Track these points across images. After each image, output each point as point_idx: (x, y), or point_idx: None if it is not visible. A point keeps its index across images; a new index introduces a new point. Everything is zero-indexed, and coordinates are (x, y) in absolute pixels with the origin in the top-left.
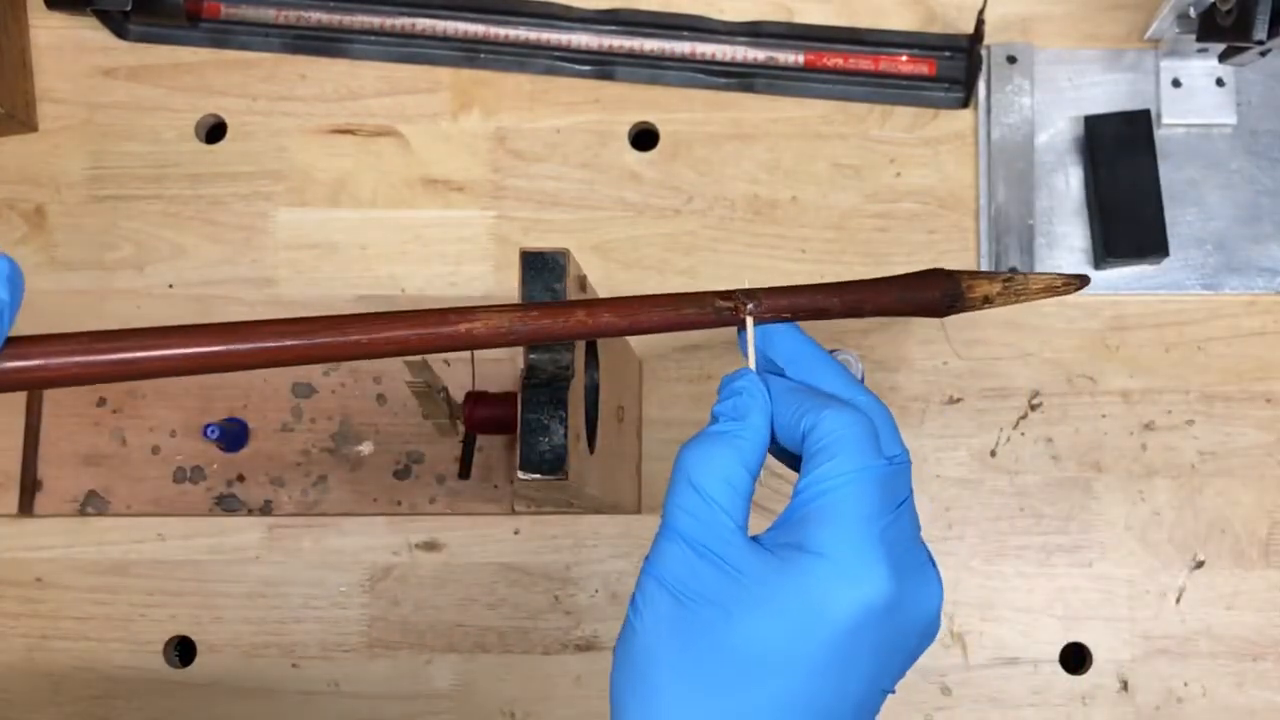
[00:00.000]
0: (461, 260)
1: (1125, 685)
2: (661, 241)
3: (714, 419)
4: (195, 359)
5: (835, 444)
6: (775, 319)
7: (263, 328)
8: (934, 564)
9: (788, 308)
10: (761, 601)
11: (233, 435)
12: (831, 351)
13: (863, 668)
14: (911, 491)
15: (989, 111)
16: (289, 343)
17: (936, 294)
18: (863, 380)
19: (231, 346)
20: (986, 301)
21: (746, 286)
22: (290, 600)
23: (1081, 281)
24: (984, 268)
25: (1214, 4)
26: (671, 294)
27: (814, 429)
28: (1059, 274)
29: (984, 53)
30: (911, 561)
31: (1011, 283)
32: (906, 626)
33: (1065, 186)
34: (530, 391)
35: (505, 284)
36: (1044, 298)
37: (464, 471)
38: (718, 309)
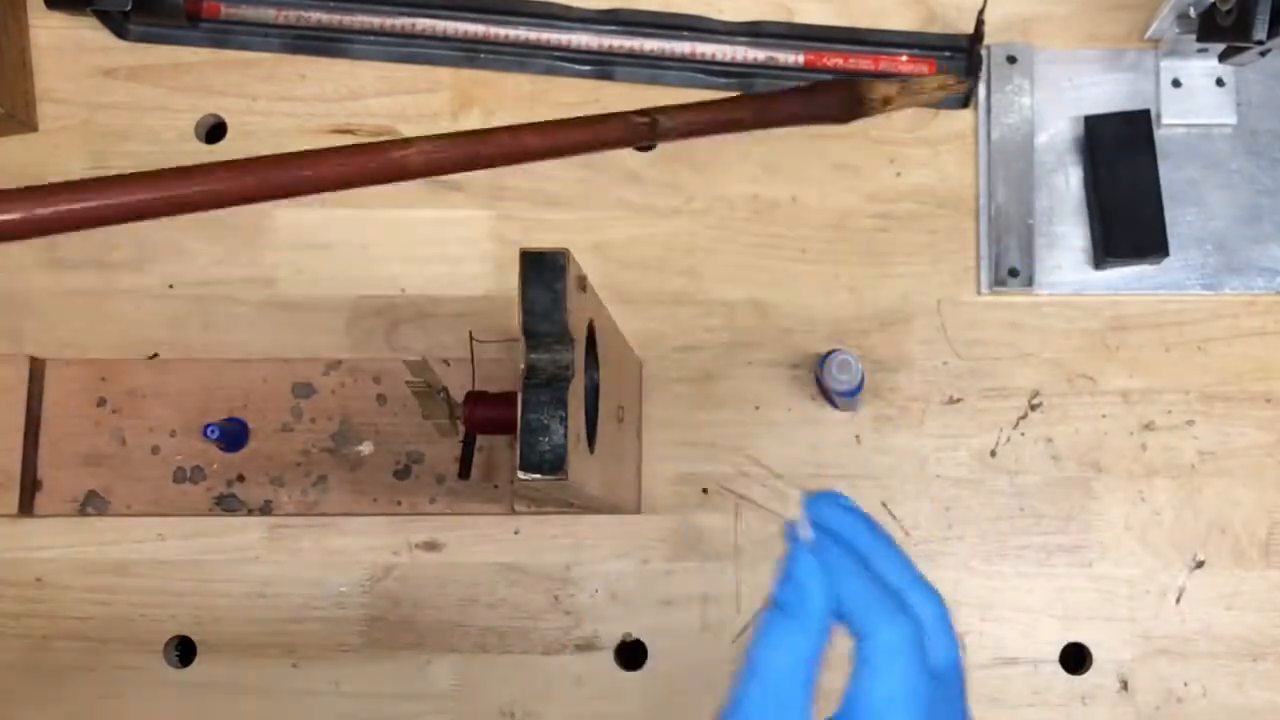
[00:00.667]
0: (461, 260)
1: (1125, 685)
2: (661, 241)
3: (776, 604)
4: (144, 204)
5: (882, 662)
6: (689, 133)
7: (214, 170)
8: None
9: (703, 123)
10: None
11: (233, 435)
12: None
13: None
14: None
15: (989, 111)
16: (241, 181)
17: (836, 99)
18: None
19: (180, 191)
20: (886, 103)
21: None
22: (290, 600)
23: (968, 84)
24: (984, 268)
25: (1214, 4)
26: (589, 116)
27: (863, 639)
28: (950, 75)
29: (984, 53)
30: None
31: (908, 84)
32: None
33: (1065, 186)
34: (530, 391)
35: (505, 284)
36: (939, 96)
37: (464, 471)
38: (632, 124)
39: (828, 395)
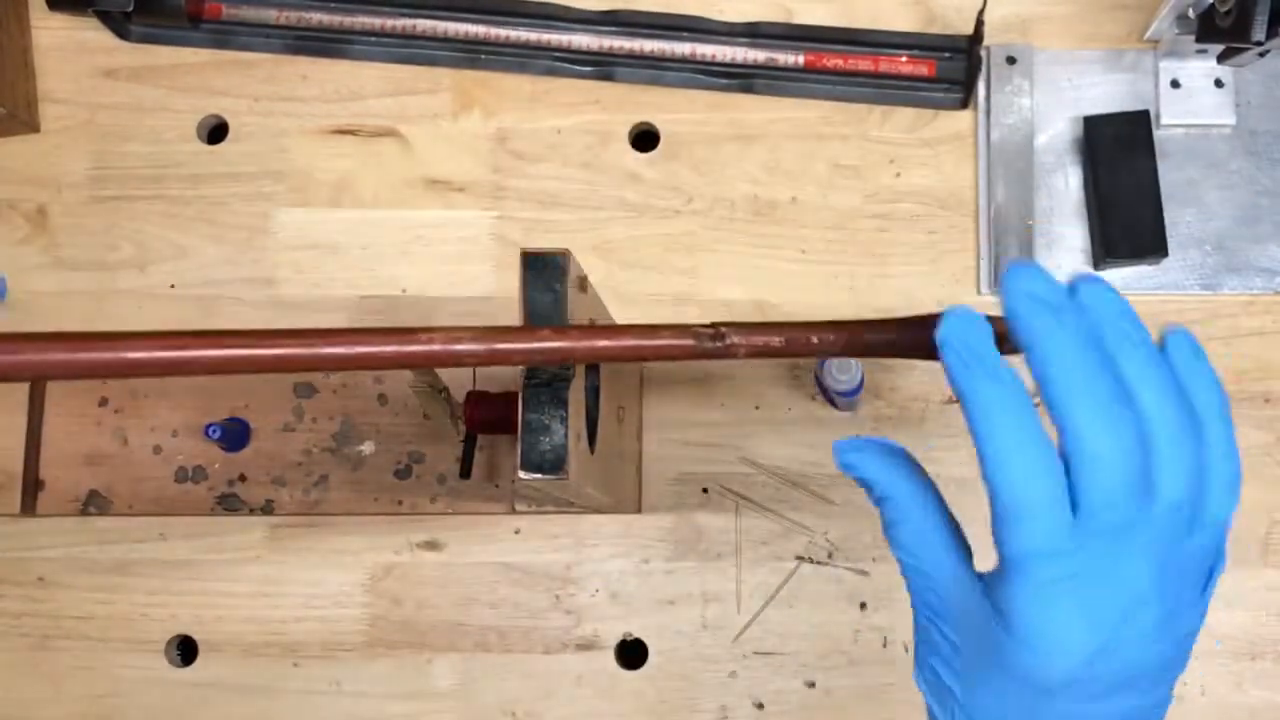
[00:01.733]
0: (462, 261)
1: None
2: (661, 242)
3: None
4: (166, 362)
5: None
6: (761, 354)
7: (236, 337)
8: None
9: (776, 347)
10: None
11: (234, 435)
12: None
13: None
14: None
15: (989, 112)
16: (260, 352)
17: (928, 336)
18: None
19: (199, 353)
20: None
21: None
22: (291, 600)
23: None
24: (983, 268)
25: (1213, 5)
26: (651, 326)
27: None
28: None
29: (984, 53)
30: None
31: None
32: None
33: (1065, 187)
34: (531, 391)
35: (506, 284)
36: None
37: (464, 471)
38: (698, 335)
39: (828, 395)
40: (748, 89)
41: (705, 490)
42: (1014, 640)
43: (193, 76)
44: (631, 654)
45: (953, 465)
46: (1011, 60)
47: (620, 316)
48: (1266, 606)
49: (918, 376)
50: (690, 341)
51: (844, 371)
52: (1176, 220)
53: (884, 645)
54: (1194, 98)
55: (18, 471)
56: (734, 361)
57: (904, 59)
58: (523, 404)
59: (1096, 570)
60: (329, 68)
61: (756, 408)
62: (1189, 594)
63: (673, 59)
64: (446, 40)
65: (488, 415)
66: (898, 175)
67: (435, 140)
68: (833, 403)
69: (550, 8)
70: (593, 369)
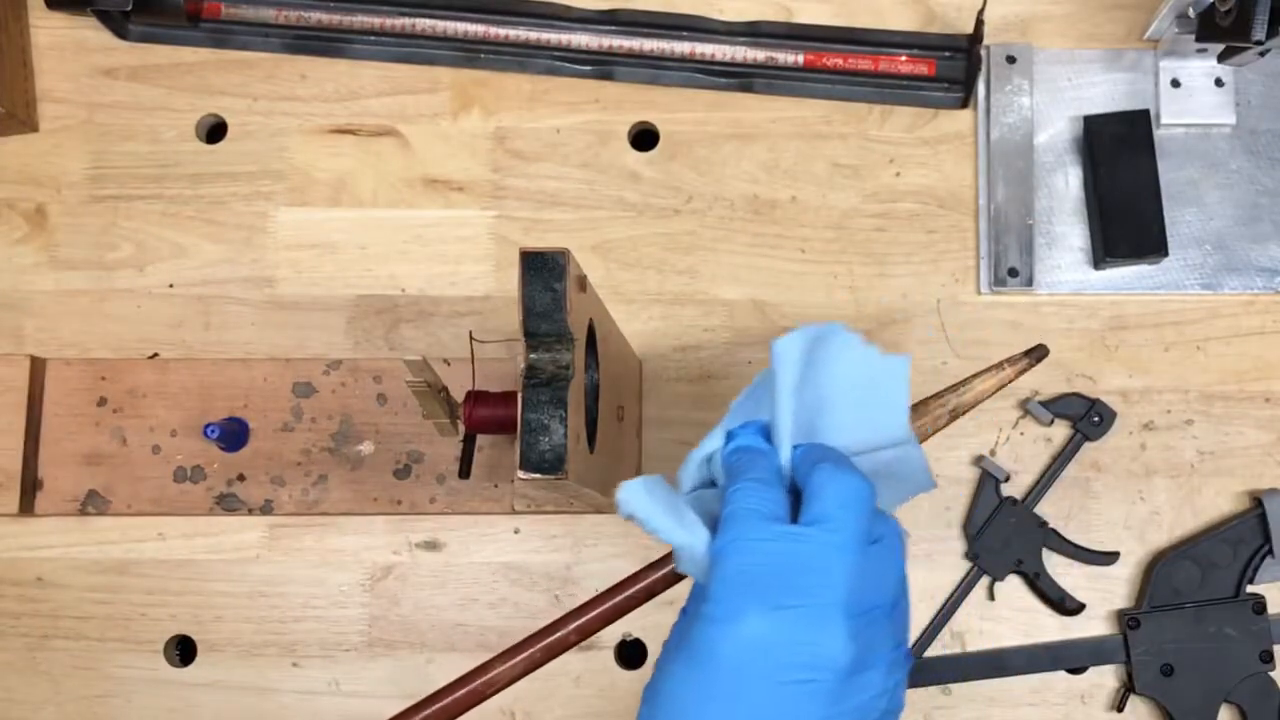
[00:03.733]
0: (461, 260)
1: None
2: (661, 241)
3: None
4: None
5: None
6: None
7: None
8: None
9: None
10: None
11: (233, 435)
12: None
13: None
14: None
15: (988, 111)
16: None
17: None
18: None
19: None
20: (954, 415)
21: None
22: (290, 600)
23: (1034, 358)
24: (984, 268)
25: (1213, 4)
26: (630, 576)
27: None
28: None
29: (983, 53)
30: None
31: (945, 406)
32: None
33: (1064, 186)
34: (530, 391)
35: (505, 284)
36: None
37: (464, 471)
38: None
39: None
40: (747, 88)
41: None
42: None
43: (192, 76)
44: (631, 654)
45: (951, 465)
46: (1011, 60)
47: (620, 316)
48: None
49: (918, 377)
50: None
51: None
52: (1176, 220)
53: None
54: (1194, 97)
55: (16, 471)
56: (734, 362)
57: (904, 58)
58: (522, 404)
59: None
60: (328, 67)
61: None
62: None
63: (672, 58)
64: (446, 39)
65: (487, 415)
66: (897, 175)
67: (434, 139)
68: None
69: (550, 7)
70: (593, 366)
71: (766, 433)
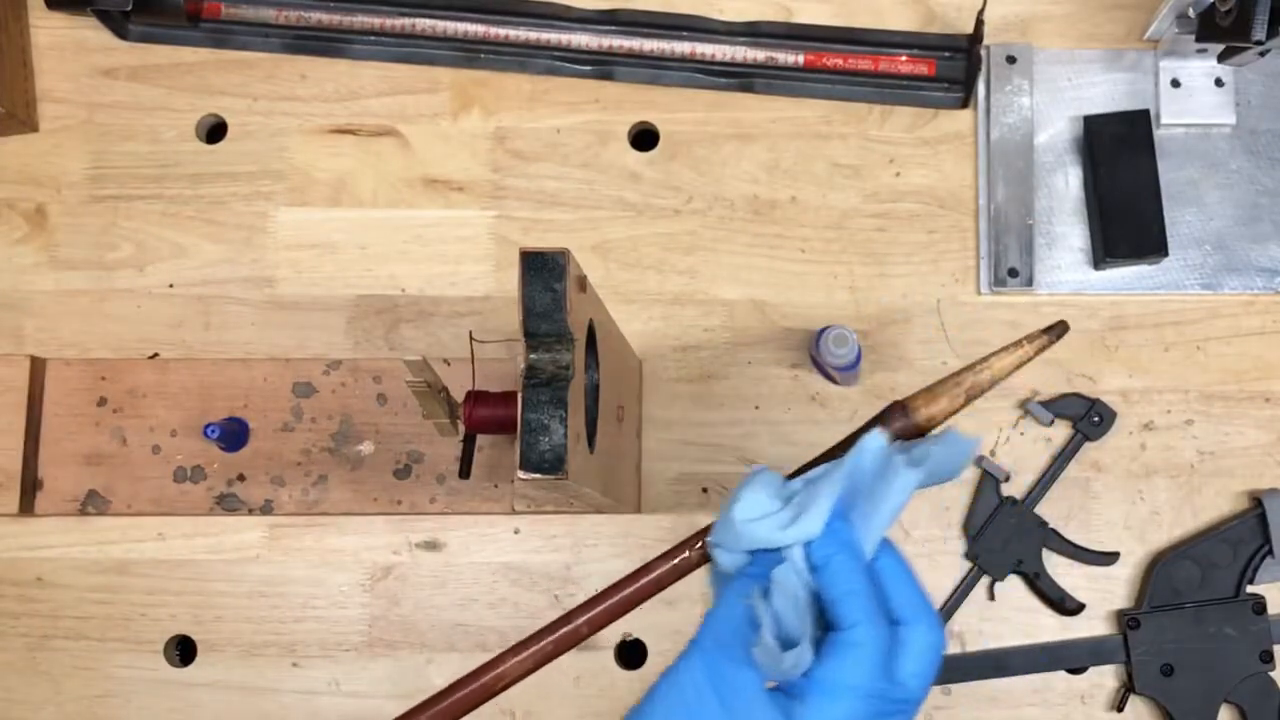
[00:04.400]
0: (461, 260)
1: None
2: (661, 241)
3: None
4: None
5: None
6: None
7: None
8: None
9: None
10: None
11: (233, 435)
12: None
13: None
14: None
15: (988, 111)
16: None
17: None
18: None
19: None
20: (931, 421)
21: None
22: (290, 600)
23: (1054, 334)
24: (984, 268)
25: (1213, 4)
26: (645, 565)
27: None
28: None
29: (983, 53)
30: None
31: (961, 386)
32: None
33: (1065, 186)
34: (530, 391)
35: (505, 284)
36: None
37: (464, 471)
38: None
39: (825, 372)
40: (747, 88)
41: (705, 490)
42: None
43: (192, 76)
44: (631, 654)
45: None
46: (1011, 60)
47: (619, 315)
48: None
49: (918, 377)
50: (694, 558)
51: (840, 345)
52: (1176, 220)
53: None
54: (1194, 97)
55: (16, 471)
56: (734, 362)
57: (904, 58)
58: (522, 404)
59: None
60: (328, 67)
61: (756, 408)
62: None
63: (672, 58)
64: (446, 39)
65: (487, 415)
66: (897, 175)
67: (434, 140)
68: (831, 379)
69: (550, 7)
70: (593, 366)
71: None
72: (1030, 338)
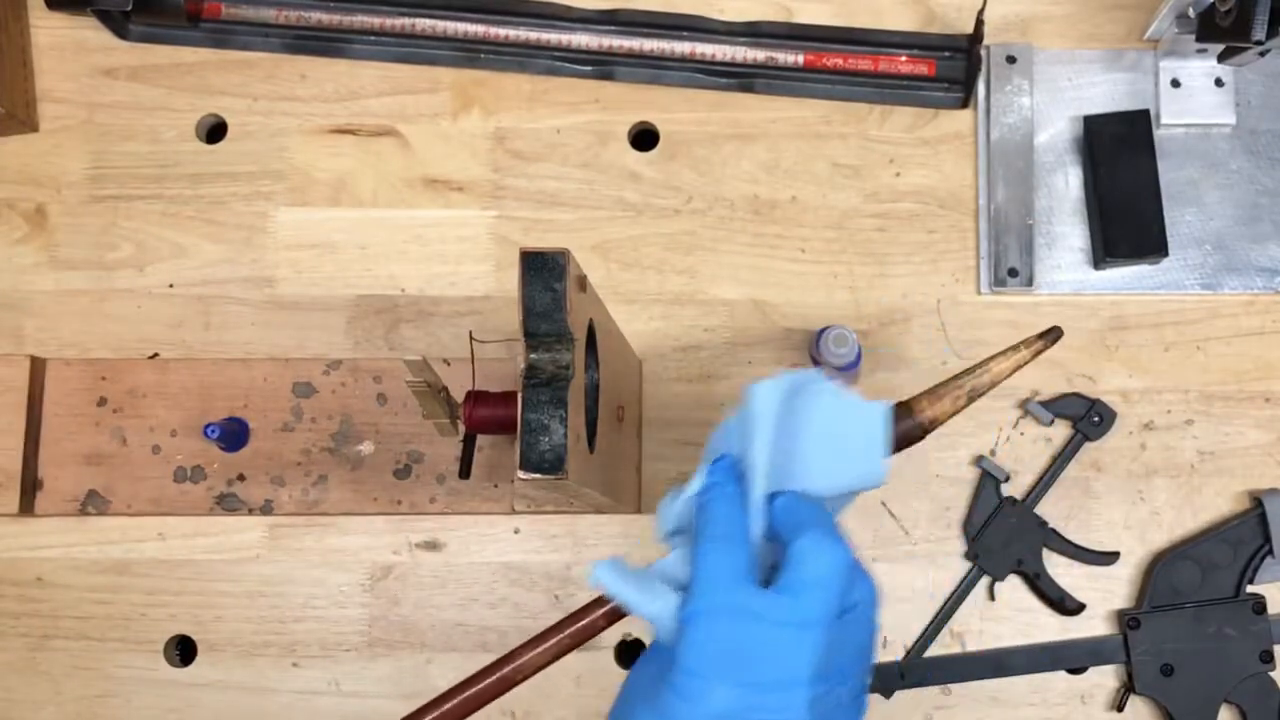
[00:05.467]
0: (461, 260)
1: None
2: (661, 241)
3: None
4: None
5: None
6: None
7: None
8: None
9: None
10: None
11: (233, 435)
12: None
13: None
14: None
15: (988, 111)
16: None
17: (903, 428)
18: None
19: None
20: (934, 422)
21: None
22: (290, 600)
23: (1050, 338)
24: (984, 268)
25: (1213, 4)
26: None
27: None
28: (1011, 349)
29: (983, 53)
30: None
31: (963, 388)
32: None
33: (1065, 186)
34: (530, 391)
35: (505, 284)
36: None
37: (464, 471)
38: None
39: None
40: (747, 88)
41: None
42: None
43: (192, 76)
44: (631, 654)
45: (951, 465)
46: (1011, 60)
47: (620, 316)
48: None
49: (918, 377)
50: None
51: (840, 345)
52: (1176, 220)
53: (884, 644)
54: (1194, 97)
55: (16, 471)
56: (734, 362)
57: (904, 58)
58: (522, 404)
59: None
60: (328, 67)
61: None
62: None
63: (673, 58)
64: (446, 39)
65: (487, 415)
66: (897, 175)
67: (434, 140)
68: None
69: (550, 7)
70: (593, 366)
71: (738, 469)
72: (1027, 342)
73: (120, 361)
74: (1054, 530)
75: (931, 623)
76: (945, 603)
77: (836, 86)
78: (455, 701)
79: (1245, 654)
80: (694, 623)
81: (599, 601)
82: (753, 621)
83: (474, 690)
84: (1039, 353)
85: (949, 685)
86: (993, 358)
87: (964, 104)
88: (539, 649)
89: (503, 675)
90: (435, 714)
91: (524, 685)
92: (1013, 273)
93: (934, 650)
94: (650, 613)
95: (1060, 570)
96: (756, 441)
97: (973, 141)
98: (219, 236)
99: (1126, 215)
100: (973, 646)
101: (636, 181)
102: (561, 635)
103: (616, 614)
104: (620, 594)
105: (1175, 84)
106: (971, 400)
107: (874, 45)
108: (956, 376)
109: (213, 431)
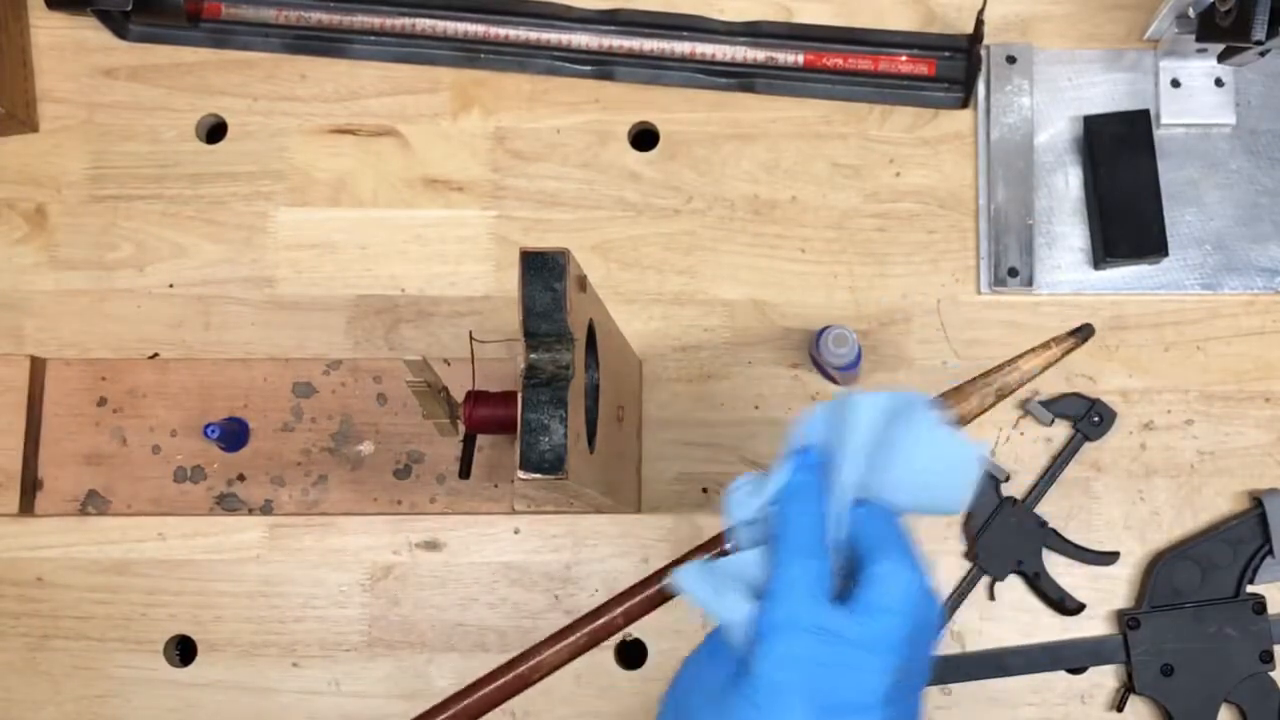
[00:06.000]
0: (461, 260)
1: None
2: (661, 241)
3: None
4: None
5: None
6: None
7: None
8: None
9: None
10: None
11: (233, 435)
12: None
13: None
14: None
15: (988, 111)
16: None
17: None
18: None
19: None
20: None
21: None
22: (290, 600)
23: (1079, 338)
24: (984, 268)
25: (1213, 4)
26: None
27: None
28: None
29: (983, 53)
30: None
31: (991, 386)
32: None
33: (1065, 186)
34: (530, 391)
35: (505, 284)
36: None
37: (464, 471)
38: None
39: (825, 372)
40: (748, 88)
41: (705, 490)
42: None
43: (192, 76)
44: (631, 654)
45: None
46: (1011, 60)
47: (620, 316)
48: None
49: (918, 377)
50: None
51: (841, 345)
52: (1176, 220)
53: None
54: (1194, 97)
55: (16, 471)
56: (734, 361)
57: (904, 58)
58: (522, 404)
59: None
60: (328, 67)
61: (756, 408)
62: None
63: (673, 58)
64: (446, 39)
65: (487, 415)
66: (897, 175)
67: (434, 140)
68: (831, 379)
69: (550, 7)
70: (593, 366)
71: (823, 468)
72: (1058, 339)
73: (120, 361)
74: (1054, 530)
75: None
76: (945, 602)
77: (836, 86)
78: (473, 699)
79: (1245, 654)
80: (773, 636)
81: (617, 600)
82: (832, 641)
83: (492, 687)
84: (1069, 351)
85: (949, 685)
86: (1021, 355)
87: (964, 104)
88: (556, 647)
89: (520, 673)
90: (452, 711)
91: None
92: (1013, 273)
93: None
94: (726, 618)
95: (1060, 570)
96: (850, 450)
97: (973, 141)
98: (219, 236)
99: (1126, 215)
100: (972, 646)
101: (636, 181)
102: (579, 634)
103: (634, 613)
104: (698, 596)
105: (1175, 84)
106: (1000, 399)
107: (874, 45)
108: (985, 374)
109: (213, 431)
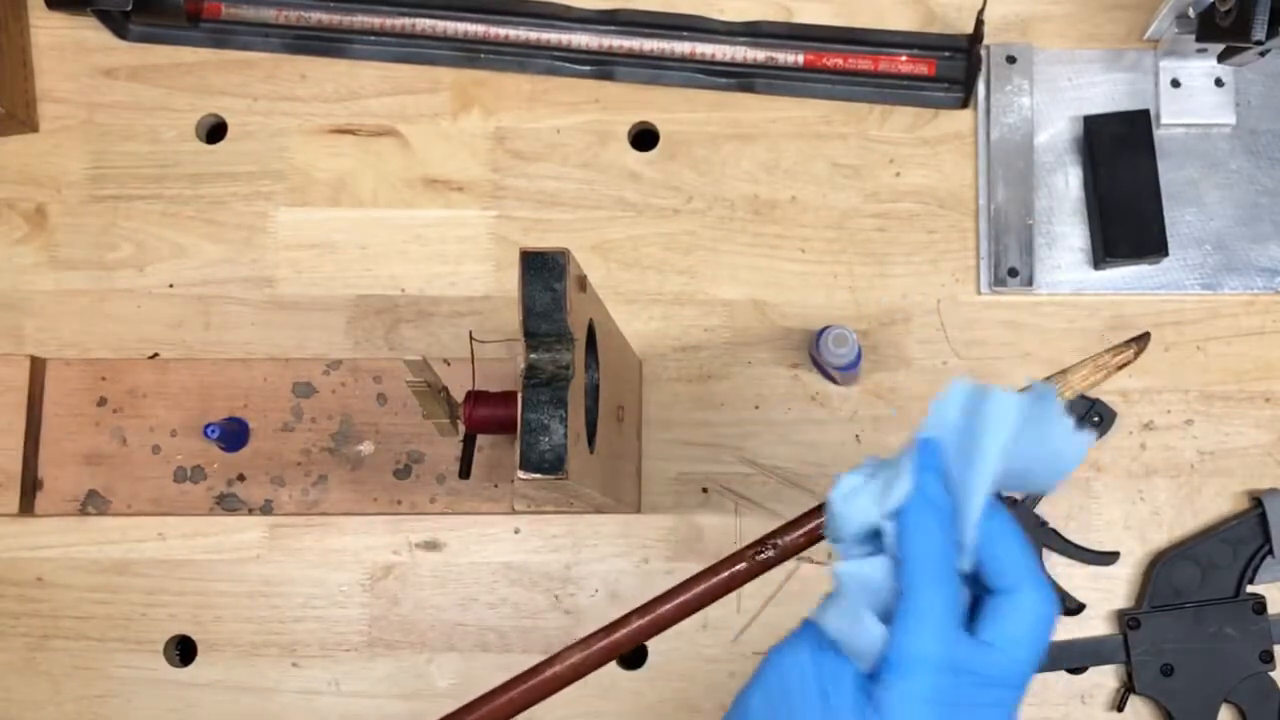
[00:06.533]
0: (461, 260)
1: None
2: (661, 241)
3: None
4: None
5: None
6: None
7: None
8: None
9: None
10: None
11: (233, 435)
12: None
13: None
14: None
15: (988, 111)
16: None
17: None
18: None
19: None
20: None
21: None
22: (290, 600)
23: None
24: (984, 268)
25: (1213, 4)
26: (712, 568)
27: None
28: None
29: (983, 53)
30: None
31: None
32: None
33: (1065, 186)
34: (530, 391)
35: (505, 284)
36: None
37: (464, 471)
38: (754, 560)
39: (825, 372)
40: (747, 88)
41: (705, 490)
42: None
43: (192, 76)
44: (631, 654)
45: None
46: (1011, 60)
47: (619, 315)
48: None
49: (918, 376)
50: (752, 565)
51: (840, 345)
52: (1176, 220)
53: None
54: (1194, 97)
55: (16, 471)
56: (734, 361)
57: (904, 58)
58: (522, 404)
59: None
60: (328, 67)
61: (756, 408)
62: None
63: (673, 58)
64: (446, 39)
65: (487, 415)
66: (897, 175)
67: (434, 140)
68: (831, 379)
69: (550, 7)
70: (593, 366)
71: (945, 470)
72: (1114, 350)
73: (120, 361)
74: (1054, 530)
75: None
76: None
77: (836, 86)
78: (493, 705)
79: (1245, 654)
80: (905, 671)
81: (640, 611)
82: (964, 677)
83: (512, 694)
84: (1126, 363)
85: None
86: (1071, 368)
87: (964, 104)
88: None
89: (545, 678)
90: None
91: None
92: (1013, 272)
93: None
94: (854, 646)
95: (1060, 570)
96: (988, 460)
97: (973, 141)
98: (219, 236)
99: (1126, 215)
100: None
101: (636, 181)
102: (599, 644)
103: (664, 621)
104: (829, 625)
105: (1175, 84)
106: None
107: (874, 45)
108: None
109: (213, 431)
